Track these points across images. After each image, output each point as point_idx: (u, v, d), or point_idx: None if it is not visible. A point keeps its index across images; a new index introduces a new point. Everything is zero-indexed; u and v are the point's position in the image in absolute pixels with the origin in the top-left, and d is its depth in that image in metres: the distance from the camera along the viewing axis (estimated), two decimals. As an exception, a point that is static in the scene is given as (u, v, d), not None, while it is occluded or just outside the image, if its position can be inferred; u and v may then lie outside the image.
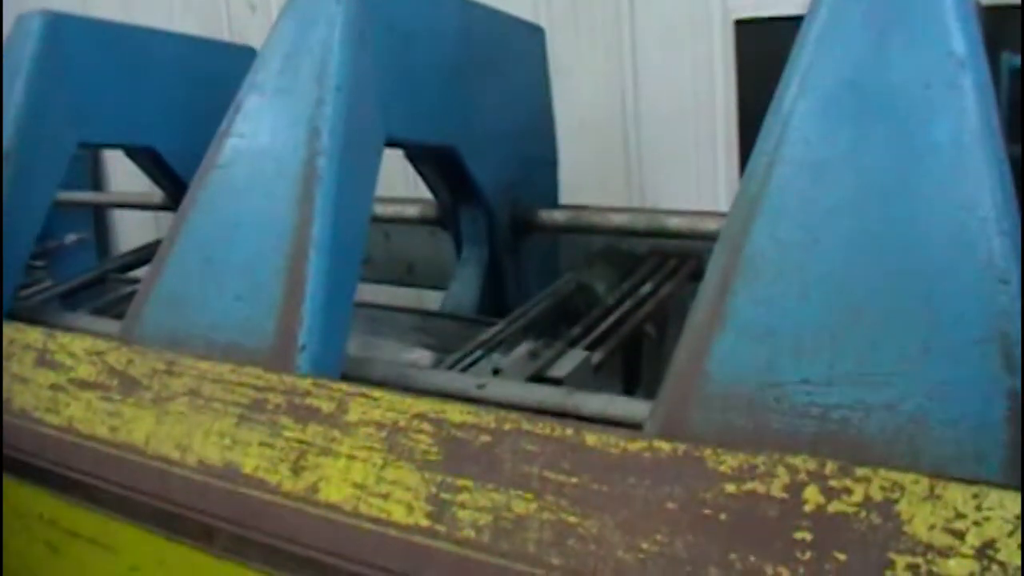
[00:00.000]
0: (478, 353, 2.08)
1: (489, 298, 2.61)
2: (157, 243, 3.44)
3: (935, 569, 1.01)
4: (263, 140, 1.91)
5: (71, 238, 3.99)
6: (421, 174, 2.58)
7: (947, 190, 1.20)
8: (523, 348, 2.05)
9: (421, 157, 2.50)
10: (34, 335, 2.06)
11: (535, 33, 2.83)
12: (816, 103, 1.33)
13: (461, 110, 2.38)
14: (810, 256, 1.27)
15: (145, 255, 3.31)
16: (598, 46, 3.88)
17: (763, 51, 3.32)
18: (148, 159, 3.12)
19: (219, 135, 1.98)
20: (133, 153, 3.14)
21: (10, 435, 1.92)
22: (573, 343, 2.13)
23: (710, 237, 2.46)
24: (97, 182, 5.13)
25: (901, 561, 1.02)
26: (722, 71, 3.59)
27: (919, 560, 1.02)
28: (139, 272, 3.23)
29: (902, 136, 1.25)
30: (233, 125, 1.97)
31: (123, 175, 4.91)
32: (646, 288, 2.51)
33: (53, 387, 1.91)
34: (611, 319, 2.31)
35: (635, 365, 2.48)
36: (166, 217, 4.14)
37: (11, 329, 2.13)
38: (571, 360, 2.00)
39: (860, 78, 1.30)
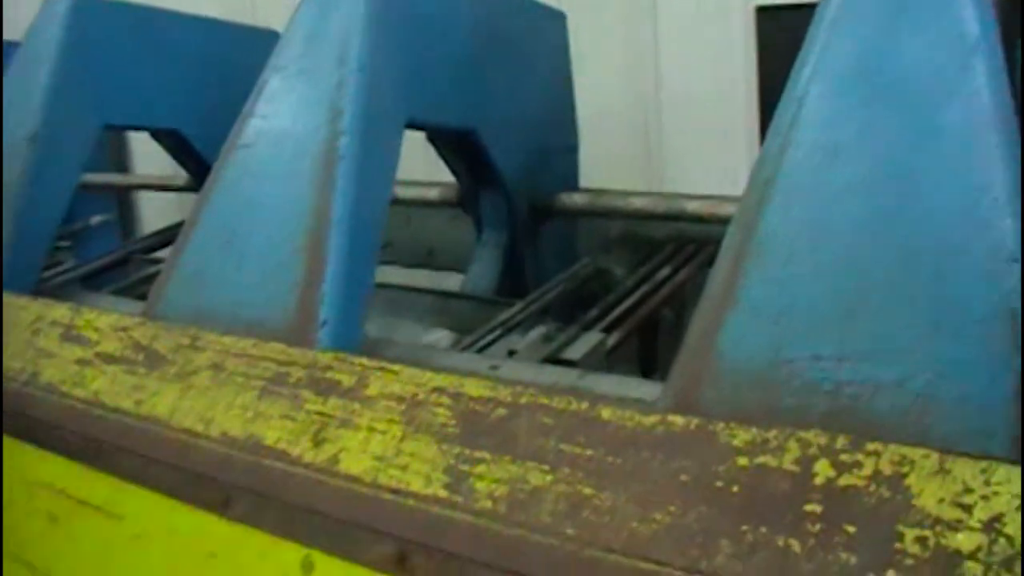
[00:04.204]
0: (495, 334, 2.10)
1: (508, 281, 2.63)
2: (180, 224, 3.48)
3: (943, 542, 1.02)
4: (285, 121, 1.94)
5: (96, 220, 4.03)
6: (443, 157, 2.60)
7: (959, 172, 1.22)
8: (538, 331, 2.08)
9: (442, 140, 2.53)
10: (61, 311, 2.10)
11: (556, 18, 2.85)
12: (829, 86, 1.34)
13: (481, 94, 2.41)
14: (822, 236, 1.29)
15: (169, 236, 3.35)
16: (619, 32, 3.89)
17: (784, 38, 3.34)
18: (173, 141, 3.16)
19: (242, 116, 2.01)
20: (158, 135, 3.18)
21: (35, 407, 1.96)
22: (590, 325, 2.15)
23: (728, 221, 2.48)
24: (121, 164, 5.17)
25: (910, 534, 1.04)
26: (743, 58, 3.61)
27: (927, 533, 1.03)
28: (163, 253, 3.27)
29: (914, 119, 1.27)
30: (256, 106, 2.00)
31: (147, 157, 4.96)
32: (664, 272, 2.53)
33: (79, 361, 1.94)
34: (628, 302, 2.33)
35: (652, 349, 2.50)
36: (190, 199, 4.19)
37: (38, 305, 2.17)
38: (585, 343, 2.02)
39: (873, 62, 1.32)
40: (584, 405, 1.30)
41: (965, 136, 1.22)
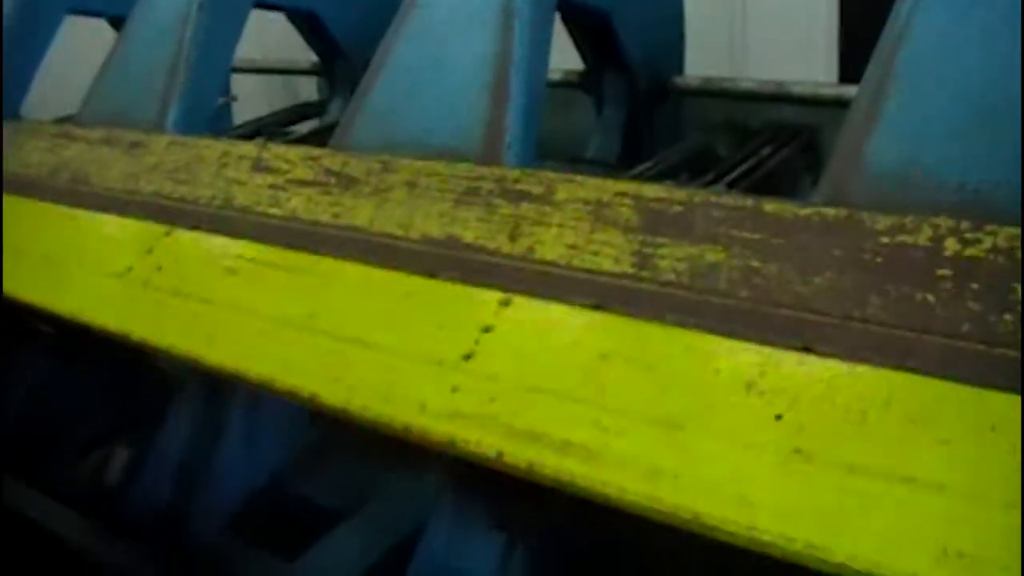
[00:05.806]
0: (627, 188, 2.39)
1: (627, 156, 2.93)
2: (308, 104, 3.80)
3: (1048, 293, 1.32)
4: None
5: (219, 100, 4.30)
6: (573, 38, 2.89)
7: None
8: (668, 184, 2.37)
9: (577, 21, 2.81)
10: (247, 147, 2.39)
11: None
12: None
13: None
14: (950, 73, 1.58)
15: (298, 113, 3.67)
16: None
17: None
18: (308, 22, 3.43)
19: None
20: (294, 16, 3.45)
21: (230, 224, 2.25)
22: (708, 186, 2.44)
23: (829, 102, 2.76)
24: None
25: (1021, 289, 1.34)
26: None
27: (1035, 287, 1.33)
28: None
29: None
30: (429, -28, 2.28)
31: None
32: (766, 151, 2.81)
33: (272, 187, 2.22)
34: (737, 172, 2.62)
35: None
36: (278, 86, 4.45)
37: (223, 143, 2.46)
38: (714, 195, 2.31)
39: None
40: (749, 202, 1.60)
41: None
